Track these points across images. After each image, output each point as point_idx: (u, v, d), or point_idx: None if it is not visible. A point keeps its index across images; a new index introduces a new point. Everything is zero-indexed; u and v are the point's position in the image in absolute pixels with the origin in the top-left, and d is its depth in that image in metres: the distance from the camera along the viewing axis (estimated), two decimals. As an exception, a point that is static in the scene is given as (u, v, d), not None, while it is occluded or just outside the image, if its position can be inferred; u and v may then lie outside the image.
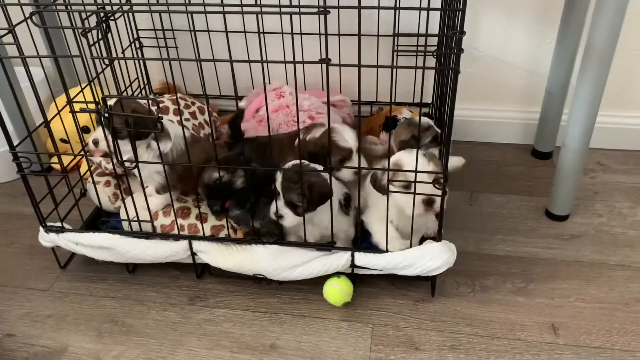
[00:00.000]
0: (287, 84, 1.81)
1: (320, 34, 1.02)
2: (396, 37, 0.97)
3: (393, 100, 1.04)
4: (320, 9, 0.97)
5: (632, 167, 1.74)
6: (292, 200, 1.19)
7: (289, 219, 1.22)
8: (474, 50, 1.75)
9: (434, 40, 1.70)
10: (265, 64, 1.42)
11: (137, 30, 1.78)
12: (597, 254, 1.43)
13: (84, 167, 1.71)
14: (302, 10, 0.99)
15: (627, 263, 1.40)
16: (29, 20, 1.22)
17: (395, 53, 0.97)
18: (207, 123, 1.58)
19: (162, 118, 1.17)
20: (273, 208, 1.22)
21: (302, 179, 1.16)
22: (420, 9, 1.04)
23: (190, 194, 1.43)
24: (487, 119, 1.86)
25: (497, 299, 1.33)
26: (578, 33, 1.54)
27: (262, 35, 1.31)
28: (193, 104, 1.60)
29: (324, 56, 0.99)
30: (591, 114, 1.36)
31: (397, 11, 0.95)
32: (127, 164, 1.26)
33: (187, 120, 1.53)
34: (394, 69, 0.98)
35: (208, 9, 1.04)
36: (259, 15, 0.99)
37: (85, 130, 1.77)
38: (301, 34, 1.67)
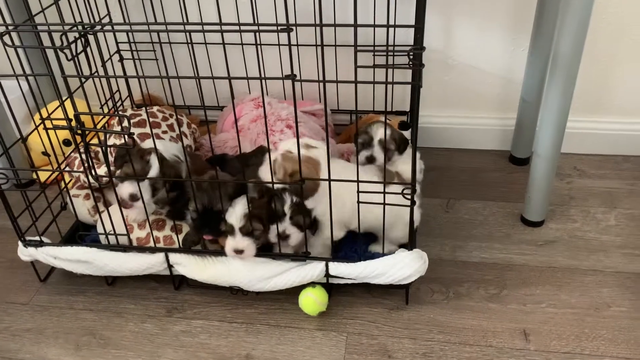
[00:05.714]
0: (267, 94, 1.84)
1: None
2: (358, 52, 0.98)
3: (359, 109, 1.05)
4: (283, 27, 0.99)
5: (608, 172, 1.76)
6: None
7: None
8: (449, 59, 1.77)
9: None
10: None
11: (117, 43, 1.81)
12: (570, 260, 1.45)
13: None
14: (266, 28, 1.01)
15: (600, 268, 1.42)
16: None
17: (357, 68, 0.99)
18: (186, 135, 1.60)
19: (133, 133, 1.19)
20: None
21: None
22: (379, 25, 1.05)
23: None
24: (464, 126, 1.88)
25: (470, 305, 1.34)
26: (549, 40, 1.55)
27: (235, 47, 1.32)
28: (171, 116, 1.62)
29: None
30: (561, 122, 1.38)
31: (357, 28, 0.96)
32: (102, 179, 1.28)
33: (165, 132, 1.55)
34: (357, 84, 1.01)
35: (187, 27, 1.06)
36: (223, 33, 1.01)
37: (67, 143, 1.79)
38: (279, 45, 1.71)
